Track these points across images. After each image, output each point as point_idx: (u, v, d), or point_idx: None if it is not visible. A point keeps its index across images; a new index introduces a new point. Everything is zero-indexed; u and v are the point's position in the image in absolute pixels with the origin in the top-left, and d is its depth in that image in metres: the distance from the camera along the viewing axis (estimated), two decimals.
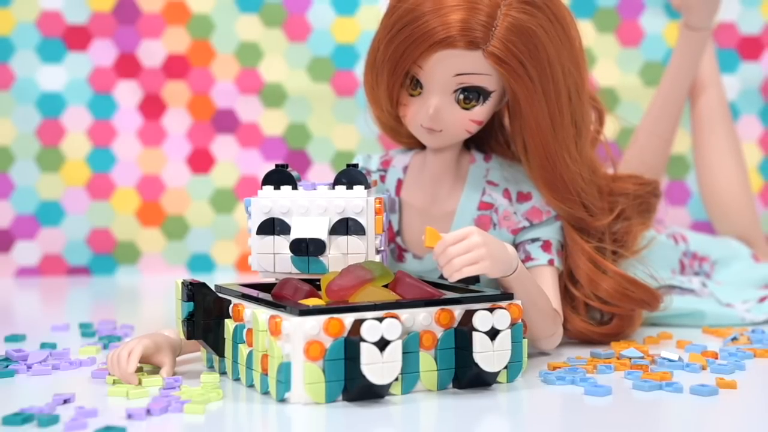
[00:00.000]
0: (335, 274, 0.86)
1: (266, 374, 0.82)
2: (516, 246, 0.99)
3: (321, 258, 0.89)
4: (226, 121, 1.61)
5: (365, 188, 0.90)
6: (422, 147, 1.03)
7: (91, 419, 0.77)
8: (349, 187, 0.90)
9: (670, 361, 0.93)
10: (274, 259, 0.90)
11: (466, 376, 0.84)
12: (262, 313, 0.83)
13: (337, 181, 0.91)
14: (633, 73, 1.62)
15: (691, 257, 1.25)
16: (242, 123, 1.62)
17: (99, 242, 1.60)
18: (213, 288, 0.90)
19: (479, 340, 0.83)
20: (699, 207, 1.59)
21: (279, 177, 0.91)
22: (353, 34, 1.62)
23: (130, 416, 0.78)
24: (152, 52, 1.59)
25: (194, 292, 0.88)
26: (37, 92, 1.58)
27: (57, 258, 1.60)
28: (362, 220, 0.89)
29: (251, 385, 0.85)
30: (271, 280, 0.93)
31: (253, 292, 0.88)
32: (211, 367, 0.93)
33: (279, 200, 0.90)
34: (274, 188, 0.91)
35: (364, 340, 0.79)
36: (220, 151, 1.62)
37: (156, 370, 0.91)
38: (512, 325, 0.85)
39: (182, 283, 0.88)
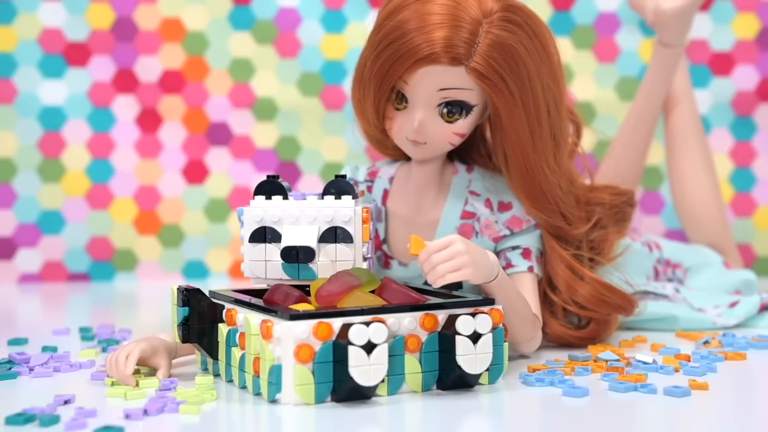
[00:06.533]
0: (324, 281, 0.87)
1: (258, 376, 0.83)
2: (497, 253, 1.00)
3: (310, 265, 0.90)
4: (219, 134, 1.62)
5: (353, 198, 0.91)
6: (407, 159, 1.04)
7: (91, 419, 0.78)
8: (338, 197, 0.91)
9: (645, 363, 0.95)
10: (265, 266, 0.91)
11: (450, 378, 0.85)
12: (254, 318, 0.84)
13: (326, 192, 0.92)
14: (609, 87, 1.63)
15: (665, 264, 1.26)
16: (235, 136, 1.63)
17: (98, 250, 1.61)
18: (207, 294, 0.91)
19: (462, 344, 0.84)
20: (672, 216, 1.60)
21: (270, 187, 0.92)
22: (341, 51, 1.62)
23: (127, 416, 0.79)
24: (149, 68, 1.60)
25: (189, 297, 0.89)
26: (38, 106, 1.59)
27: (58, 265, 1.61)
28: (350, 229, 0.90)
29: (244, 387, 0.86)
30: (262, 286, 0.94)
31: (246, 298, 0.89)
32: (205, 370, 0.94)
33: (270, 209, 0.91)
34: (266, 198, 0.91)
35: (352, 344, 0.80)
36: (214, 163, 1.63)
37: (153, 372, 0.92)
38: (493, 329, 0.86)
39: (178, 288, 0.89)
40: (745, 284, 1.27)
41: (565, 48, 1.57)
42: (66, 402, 0.83)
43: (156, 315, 1.36)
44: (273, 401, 0.82)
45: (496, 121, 0.97)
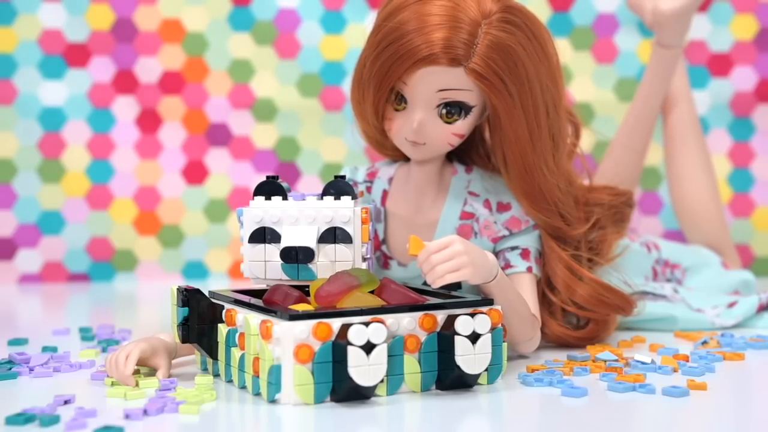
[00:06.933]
0: (323, 281, 0.88)
1: (258, 376, 0.84)
2: (496, 254, 1.00)
3: (310, 265, 0.90)
4: (219, 135, 1.63)
5: (352, 199, 0.91)
6: (407, 159, 1.04)
7: (91, 419, 0.79)
8: (337, 198, 0.91)
9: (644, 363, 0.95)
10: (265, 267, 0.92)
11: (449, 378, 0.86)
12: (254, 318, 0.84)
13: (326, 192, 0.92)
14: (608, 88, 1.63)
15: (663, 264, 1.26)
16: (235, 136, 1.64)
17: (98, 250, 1.62)
18: (207, 294, 0.92)
19: (461, 344, 0.84)
20: (671, 217, 1.60)
21: (270, 188, 0.92)
22: (341, 52, 1.63)
23: (127, 416, 0.79)
24: (149, 69, 1.61)
25: (189, 297, 0.89)
26: (38, 107, 1.59)
27: (58, 265, 1.61)
28: (349, 229, 0.90)
29: (243, 387, 0.87)
30: (262, 286, 0.94)
31: (245, 298, 0.89)
32: (205, 370, 0.94)
33: (270, 210, 0.91)
34: (265, 199, 0.92)
35: (351, 344, 0.81)
36: (214, 163, 1.63)
37: (152, 372, 0.92)
38: (492, 329, 0.86)
39: (177, 289, 0.89)
40: (743, 284, 1.28)
41: (563, 49, 1.58)
42: (66, 402, 0.84)
43: (156, 315, 1.36)
44: (272, 401, 0.83)
45: (495, 121, 0.97)
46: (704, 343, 1.07)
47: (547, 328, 1.03)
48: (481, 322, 0.85)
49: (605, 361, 0.97)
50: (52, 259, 1.61)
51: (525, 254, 1.01)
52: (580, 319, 1.05)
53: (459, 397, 0.85)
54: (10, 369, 0.95)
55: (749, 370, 0.98)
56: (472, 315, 0.85)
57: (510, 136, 0.96)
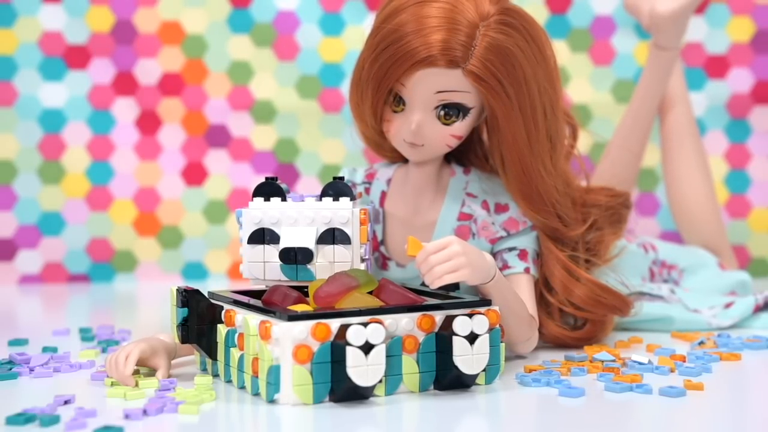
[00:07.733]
0: (322, 282, 0.88)
1: (257, 376, 0.84)
2: (494, 255, 1.01)
3: (309, 266, 0.91)
4: (218, 136, 1.63)
5: (351, 200, 0.92)
6: (405, 161, 1.04)
7: (91, 419, 0.79)
8: (336, 199, 0.92)
9: (641, 364, 0.95)
10: (264, 267, 0.92)
11: (447, 379, 0.86)
12: (253, 319, 0.84)
13: (324, 193, 0.92)
14: (605, 90, 1.63)
15: (660, 265, 1.26)
16: (234, 138, 1.64)
17: (98, 251, 1.62)
18: (206, 294, 0.92)
19: (459, 344, 0.85)
20: (668, 218, 1.60)
21: (269, 189, 0.92)
22: (339, 54, 1.63)
23: (127, 416, 0.79)
24: (148, 71, 1.61)
25: (188, 298, 0.89)
26: (39, 109, 1.60)
27: (58, 266, 1.61)
28: (348, 230, 0.91)
29: (242, 387, 0.87)
30: (261, 287, 0.94)
31: (245, 299, 0.90)
32: (204, 370, 0.94)
33: (269, 211, 0.91)
34: (264, 200, 0.92)
35: (350, 344, 0.81)
36: (213, 165, 1.64)
37: (152, 372, 0.93)
38: (490, 329, 0.86)
39: (177, 289, 0.90)
40: (739, 285, 1.28)
41: (561, 51, 1.58)
42: (66, 402, 0.84)
43: (155, 316, 1.37)
44: (271, 401, 0.83)
45: (493, 123, 0.97)
46: (701, 343, 1.07)
47: (544, 328, 1.03)
48: (479, 323, 0.86)
49: (602, 361, 0.97)
50: (52, 260, 1.62)
51: (522, 255, 1.01)
52: (577, 320, 1.05)
53: (457, 397, 0.85)
54: (11, 369, 0.96)
55: (746, 371, 0.98)
56: (470, 315, 0.85)
57: (508, 138, 0.97)
